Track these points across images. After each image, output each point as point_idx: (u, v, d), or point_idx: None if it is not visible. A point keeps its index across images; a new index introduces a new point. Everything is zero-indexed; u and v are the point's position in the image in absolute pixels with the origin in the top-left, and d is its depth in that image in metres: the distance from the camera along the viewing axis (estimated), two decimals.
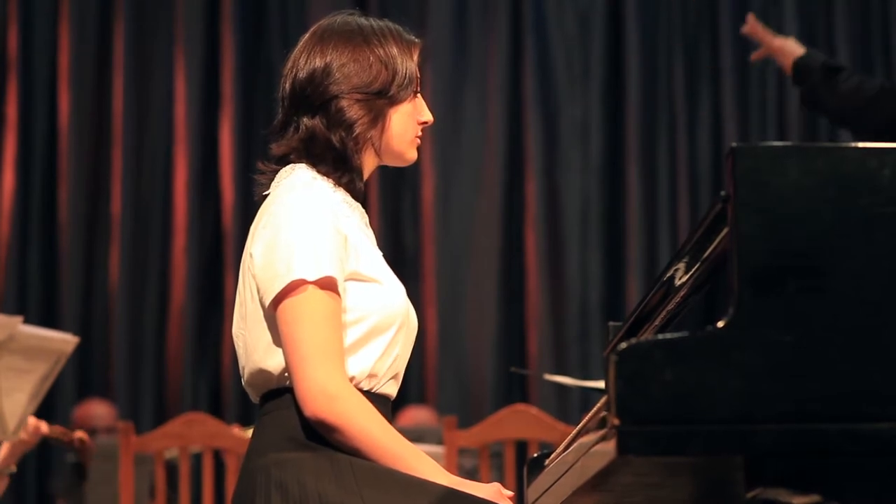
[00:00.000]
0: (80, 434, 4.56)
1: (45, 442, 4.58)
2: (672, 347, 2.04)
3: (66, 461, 6.38)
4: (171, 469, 5.07)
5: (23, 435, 4.23)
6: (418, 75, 2.72)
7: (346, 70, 2.65)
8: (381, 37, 2.69)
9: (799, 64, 4.67)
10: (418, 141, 2.75)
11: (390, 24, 2.73)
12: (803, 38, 7.71)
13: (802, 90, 4.69)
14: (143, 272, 7.64)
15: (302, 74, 2.67)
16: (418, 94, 2.72)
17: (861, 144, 2.14)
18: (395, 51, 2.68)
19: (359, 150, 2.67)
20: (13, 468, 4.32)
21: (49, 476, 7.30)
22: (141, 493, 5.29)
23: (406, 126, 2.71)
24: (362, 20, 2.71)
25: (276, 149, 2.70)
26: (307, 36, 2.72)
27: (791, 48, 4.75)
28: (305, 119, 2.67)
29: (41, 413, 4.41)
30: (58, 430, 4.49)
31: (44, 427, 4.32)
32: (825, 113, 4.83)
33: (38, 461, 7.34)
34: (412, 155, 2.75)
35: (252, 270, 2.59)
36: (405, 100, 2.69)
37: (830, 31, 7.72)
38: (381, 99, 2.66)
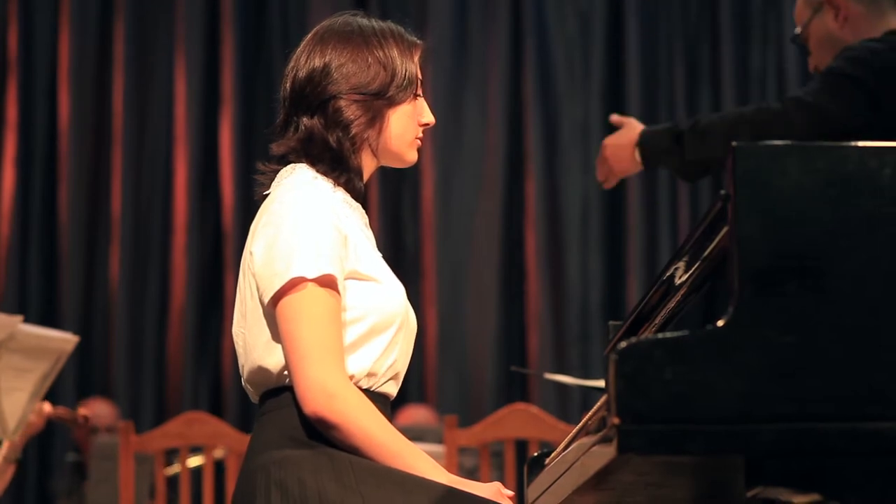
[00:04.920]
0: (83, 411, 4.59)
1: (50, 423, 4.62)
2: (672, 347, 2.04)
3: (66, 461, 6.39)
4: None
5: (30, 416, 4.26)
6: (419, 76, 2.71)
7: (345, 70, 2.65)
8: (381, 38, 2.68)
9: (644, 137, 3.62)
10: (419, 142, 2.74)
11: (392, 25, 2.72)
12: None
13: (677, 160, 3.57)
14: (143, 272, 7.64)
15: (301, 74, 2.67)
16: (419, 96, 2.72)
17: (861, 144, 2.13)
18: (394, 52, 2.68)
19: (356, 150, 2.67)
20: (19, 454, 4.35)
21: (49, 476, 7.30)
22: (141, 493, 5.29)
23: (405, 127, 2.70)
24: (364, 21, 2.71)
25: (276, 148, 2.70)
26: (308, 36, 2.72)
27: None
28: (304, 119, 2.67)
29: None
30: (62, 409, 4.53)
31: (48, 407, 4.35)
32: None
33: (39, 461, 7.35)
34: (412, 156, 2.74)
35: (252, 268, 2.59)
36: (404, 101, 2.68)
37: None
38: (379, 100, 2.66)
